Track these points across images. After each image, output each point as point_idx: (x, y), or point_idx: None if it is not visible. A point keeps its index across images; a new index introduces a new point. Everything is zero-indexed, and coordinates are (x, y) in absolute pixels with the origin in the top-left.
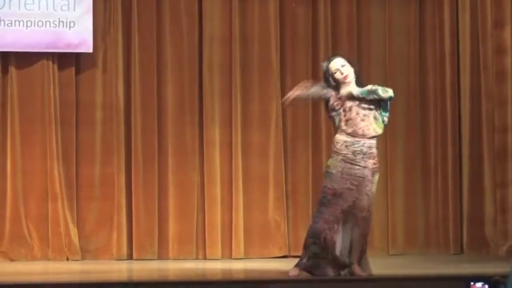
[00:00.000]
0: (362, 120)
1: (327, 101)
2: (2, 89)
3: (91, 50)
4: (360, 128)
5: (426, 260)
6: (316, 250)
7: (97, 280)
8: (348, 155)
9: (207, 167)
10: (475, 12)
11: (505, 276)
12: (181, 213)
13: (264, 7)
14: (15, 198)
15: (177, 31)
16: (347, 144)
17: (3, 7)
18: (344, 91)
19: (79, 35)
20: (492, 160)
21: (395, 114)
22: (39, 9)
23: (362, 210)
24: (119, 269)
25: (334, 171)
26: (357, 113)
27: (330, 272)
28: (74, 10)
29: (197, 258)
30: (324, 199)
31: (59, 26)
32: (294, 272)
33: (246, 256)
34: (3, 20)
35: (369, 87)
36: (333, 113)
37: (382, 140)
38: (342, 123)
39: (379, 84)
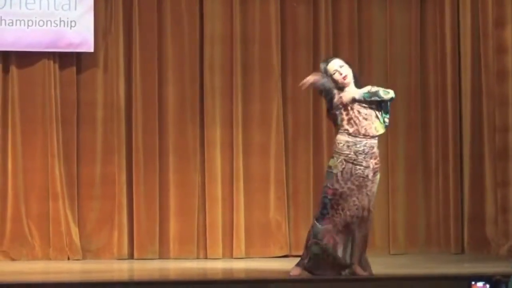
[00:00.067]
0: (365, 118)
1: (331, 98)
2: (3, 89)
3: (92, 50)
4: (362, 127)
5: (427, 260)
6: (318, 251)
7: (98, 279)
8: (350, 155)
9: (208, 166)
10: (476, 12)
11: (506, 276)
12: (182, 213)
13: (265, 7)
14: (16, 197)
15: (178, 31)
16: (349, 144)
17: (4, 6)
18: (346, 97)
19: (80, 34)
20: (493, 159)
21: (396, 113)
22: (40, 8)
23: (362, 210)
24: (120, 269)
25: (335, 171)
26: (359, 112)
27: (331, 273)
28: (75, 9)
29: (198, 258)
30: (325, 199)
31: (60, 26)
32: (295, 272)
33: (247, 256)
34: (4, 20)
35: (369, 88)
36: (337, 111)
37: (383, 139)
38: (344, 122)
39: (378, 86)
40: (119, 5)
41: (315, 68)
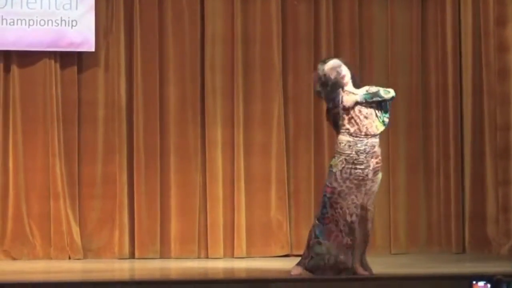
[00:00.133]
0: (365, 117)
1: (336, 96)
2: (4, 88)
3: (93, 49)
4: (363, 125)
5: (428, 259)
6: (320, 251)
7: (99, 279)
8: (351, 155)
9: (209, 166)
10: (477, 10)
11: (507, 275)
12: (183, 212)
13: (266, 6)
14: (17, 197)
15: (179, 30)
16: (350, 144)
17: (5, 6)
18: (348, 102)
19: (81, 34)
20: (494, 158)
21: (397, 112)
22: (41, 8)
23: (361, 209)
24: (121, 268)
25: (334, 170)
26: (360, 111)
27: (331, 274)
28: (76, 9)
29: (199, 257)
30: (324, 198)
31: (61, 25)
32: (296, 271)
33: (248, 255)
34: (5, 19)
35: (367, 88)
36: (339, 110)
37: (384, 139)
38: (345, 122)
39: (379, 85)
40: (120, 5)
41: (316, 68)
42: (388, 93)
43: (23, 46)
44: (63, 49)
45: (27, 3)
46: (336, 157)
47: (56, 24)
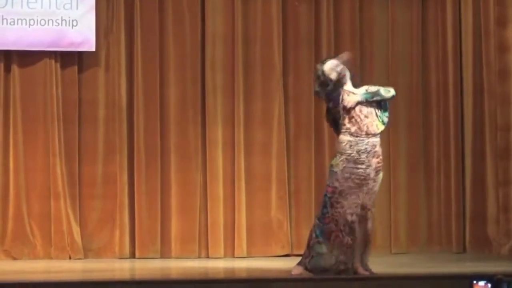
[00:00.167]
0: (366, 116)
1: (337, 95)
2: (4, 88)
3: (93, 49)
4: (364, 124)
5: (428, 259)
6: (321, 250)
7: (99, 278)
8: (352, 154)
9: (210, 166)
10: (478, 10)
11: (507, 275)
12: (183, 212)
13: (266, 6)
14: (18, 197)
15: (179, 30)
16: (351, 144)
17: (5, 5)
18: (349, 102)
19: (81, 33)
20: (495, 158)
21: (397, 112)
22: (41, 7)
23: (362, 208)
24: (121, 268)
25: (335, 169)
26: (360, 111)
27: (332, 273)
28: (77, 8)
29: (199, 257)
30: (325, 197)
31: (61, 25)
32: (296, 271)
33: (249, 255)
34: (6, 19)
35: (366, 87)
36: (340, 109)
37: (385, 138)
38: (346, 121)
39: (379, 84)
40: (121, 4)
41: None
42: (388, 92)
43: (24, 46)
44: (63, 49)
45: (28, 2)
46: (337, 157)
47: (57, 24)
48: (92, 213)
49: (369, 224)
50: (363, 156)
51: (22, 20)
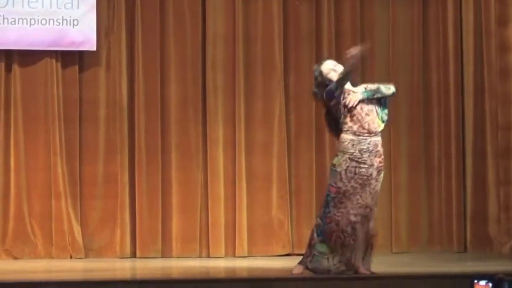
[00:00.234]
0: (367, 114)
1: (339, 93)
2: (5, 87)
3: (94, 48)
4: (366, 122)
5: (429, 258)
6: (323, 250)
7: (100, 278)
8: (354, 154)
9: (211, 165)
10: (479, 10)
11: (508, 274)
12: (184, 211)
13: (267, 6)
14: (19, 196)
15: (180, 30)
16: (354, 143)
17: (6, 5)
18: (351, 101)
19: (82, 33)
20: (496, 157)
21: (398, 111)
22: (42, 7)
23: (365, 208)
24: (122, 267)
25: (338, 169)
26: (362, 108)
27: (333, 273)
28: (78, 8)
29: (200, 256)
30: (328, 197)
31: (62, 24)
32: (297, 270)
33: (250, 254)
34: (7, 18)
35: (365, 86)
36: (341, 107)
37: (386, 137)
38: (347, 119)
39: (380, 83)
40: (122, 4)
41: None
42: (389, 89)
43: (25, 45)
44: (64, 48)
45: (28, 2)
46: (340, 156)
47: (58, 23)
48: (93, 213)
49: (371, 224)
50: (366, 155)
51: (23, 20)
